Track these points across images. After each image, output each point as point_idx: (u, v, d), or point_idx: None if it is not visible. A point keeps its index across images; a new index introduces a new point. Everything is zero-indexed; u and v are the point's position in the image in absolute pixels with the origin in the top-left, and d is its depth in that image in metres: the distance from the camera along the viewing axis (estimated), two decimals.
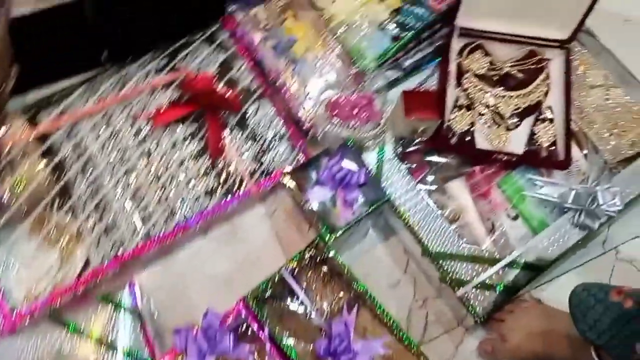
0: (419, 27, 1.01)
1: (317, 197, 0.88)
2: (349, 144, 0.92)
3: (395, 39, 1.01)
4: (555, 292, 0.92)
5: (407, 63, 1.03)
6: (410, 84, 1.01)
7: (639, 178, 0.96)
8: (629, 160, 0.98)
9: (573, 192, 0.92)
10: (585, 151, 0.98)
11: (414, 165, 0.96)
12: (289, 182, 0.89)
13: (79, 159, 0.90)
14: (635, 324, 0.69)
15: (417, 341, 0.83)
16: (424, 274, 0.93)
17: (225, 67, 1.00)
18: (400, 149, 0.97)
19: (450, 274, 0.87)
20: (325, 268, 0.85)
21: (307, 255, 0.84)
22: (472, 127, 0.96)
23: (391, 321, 0.81)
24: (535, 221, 0.93)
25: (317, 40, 1.02)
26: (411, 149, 0.96)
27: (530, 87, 1.00)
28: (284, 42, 1.02)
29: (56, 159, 0.89)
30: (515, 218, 0.95)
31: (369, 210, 0.88)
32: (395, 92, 0.97)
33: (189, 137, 0.94)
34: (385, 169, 0.93)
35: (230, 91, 0.96)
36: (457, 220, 0.95)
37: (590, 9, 0.94)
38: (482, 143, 0.96)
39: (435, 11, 1.02)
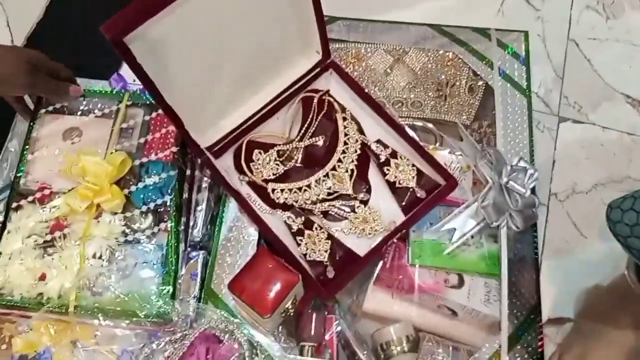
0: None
1: None
2: None
3: None
4: None
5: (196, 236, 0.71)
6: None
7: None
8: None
9: (486, 202, 0.69)
10: (453, 149, 0.76)
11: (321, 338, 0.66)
12: None
13: None
14: None
15: None
16: None
17: None
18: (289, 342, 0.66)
19: None
20: None
21: None
22: (332, 242, 0.68)
23: None
24: (483, 265, 0.70)
25: None
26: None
27: (341, 138, 0.73)
28: None
29: None
30: (461, 282, 0.70)
31: None
32: None
33: None
34: None
35: None
36: (418, 339, 0.68)
37: (319, 14, 0.68)
38: (359, 246, 0.68)
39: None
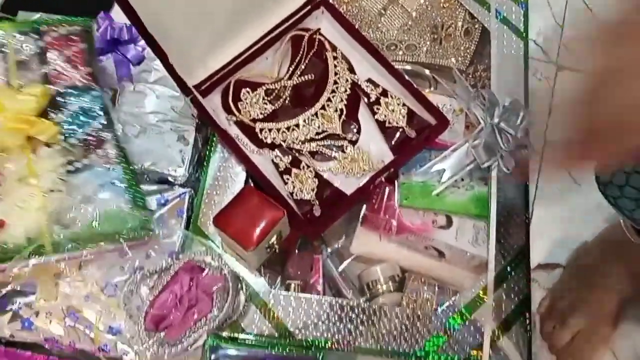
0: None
1: None
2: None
3: None
4: None
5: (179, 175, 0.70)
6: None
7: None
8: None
9: (477, 142, 0.68)
10: (447, 92, 0.74)
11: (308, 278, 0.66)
12: None
13: None
14: None
15: None
16: None
17: None
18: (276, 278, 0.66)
19: None
20: None
21: None
22: (319, 181, 0.67)
23: None
24: (472, 207, 0.69)
25: None
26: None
27: (331, 78, 0.71)
28: None
29: None
30: (449, 223, 0.69)
31: None
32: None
33: None
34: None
35: None
36: (404, 279, 0.68)
37: None
38: (347, 185, 0.67)
39: None
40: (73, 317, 0.63)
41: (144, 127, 0.72)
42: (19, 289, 0.64)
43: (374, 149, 0.69)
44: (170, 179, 0.70)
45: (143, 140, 0.71)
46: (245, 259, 0.64)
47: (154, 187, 0.69)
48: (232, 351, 0.61)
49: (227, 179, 0.71)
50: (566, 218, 0.75)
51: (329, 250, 0.71)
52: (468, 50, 0.79)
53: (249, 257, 0.62)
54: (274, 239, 0.62)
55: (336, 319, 0.64)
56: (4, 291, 0.63)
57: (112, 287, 0.64)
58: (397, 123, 0.69)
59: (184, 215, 0.68)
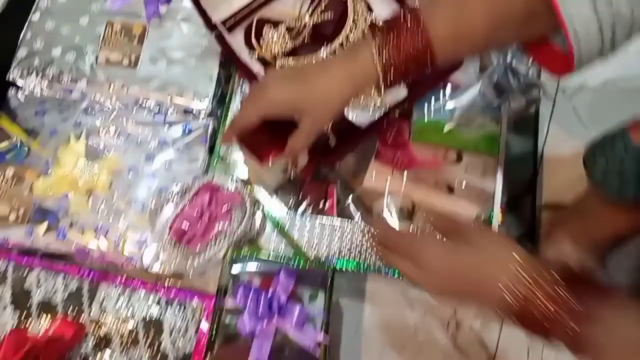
0: None
1: None
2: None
3: None
4: None
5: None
6: None
7: None
8: None
9: (489, 81, 0.70)
10: None
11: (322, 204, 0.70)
12: None
13: None
14: None
15: None
16: None
17: None
18: (291, 202, 0.70)
19: None
20: None
21: None
22: None
23: None
24: (482, 144, 0.72)
25: None
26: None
27: (350, 16, 0.74)
28: None
29: None
30: (459, 159, 0.72)
31: None
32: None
33: None
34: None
35: None
36: (414, 211, 0.71)
37: None
38: (360, 117, 0.71)
39: None
40: (103, 230, 0.68)
41: (171, 61, 0.75)
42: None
43: None
44: (194, 111, 0.74)
45: (170, 74, 0.75)
46: (262, 179, 0.68)
47: (180, 117, 0.73)
48: (250, 266, 0.66)
49: None
50: (575, 164, 0.77)
51: (342, 185, 0.74)
52: None
53: (266, 176, 0.66)
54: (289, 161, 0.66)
55: (347, 241, 0.68)
56: (39, 203, 0.69)
57: (140, 203, 0.69)
58: None
59: (207, 144, 0.72)
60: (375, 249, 0.52)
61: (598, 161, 0.60)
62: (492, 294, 0.44)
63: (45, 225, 0.68)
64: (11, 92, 0.75)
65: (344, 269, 0.67)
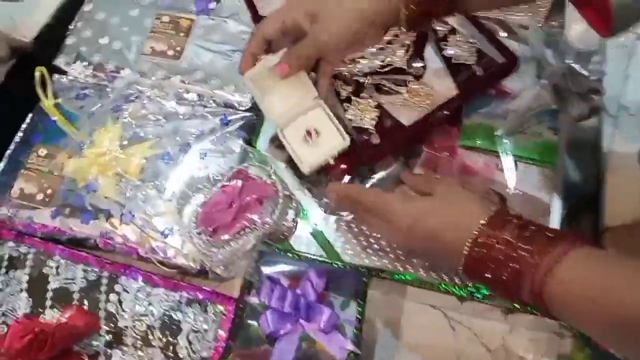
0: None
1: None
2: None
3: None
4: None
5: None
6: None
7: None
8: None
9: (547, 84, 0.65)
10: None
11: None
12: None
13: None
14: None
15: None
16: None
17: None
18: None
19: None
20: None
21: None
22: (380, 111, 0.66)
23: None
24: (537, 153, 0.66)
25: None
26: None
27: None
28: None
29: None
30: (514, 167, 0.66)
31: None
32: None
33: None
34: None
35: None
36: None
37: None
38: (407, 116, 0.66)
39: None
40: (129, 216, 0.64)
41: (215, 54, 0.74)
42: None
43: (438, 84, 0.67)
44: (235, 104, 0.72)
45: (213, 67, 0.74)
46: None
47: (219, 109, 0.71)
48: (279, 264, 0.61)
49: None
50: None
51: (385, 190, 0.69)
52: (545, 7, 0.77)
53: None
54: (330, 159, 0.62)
55: (387, 249, 0.62)
56: (68, 186, 0.66)
57: (170, 192, 0.66)
58: (464, 60, 0.67)
59: (244, 137, 0.69)
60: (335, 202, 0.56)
61: None
62: (456, 246, 0.46)
63: (71, 208, 0.66)
64: (55, 76, 0.75)
65: (380, 278, 0.61)
